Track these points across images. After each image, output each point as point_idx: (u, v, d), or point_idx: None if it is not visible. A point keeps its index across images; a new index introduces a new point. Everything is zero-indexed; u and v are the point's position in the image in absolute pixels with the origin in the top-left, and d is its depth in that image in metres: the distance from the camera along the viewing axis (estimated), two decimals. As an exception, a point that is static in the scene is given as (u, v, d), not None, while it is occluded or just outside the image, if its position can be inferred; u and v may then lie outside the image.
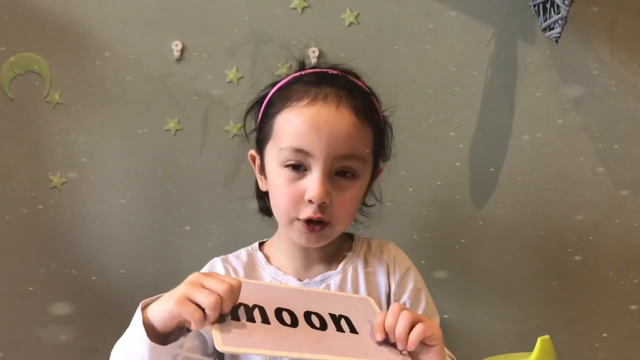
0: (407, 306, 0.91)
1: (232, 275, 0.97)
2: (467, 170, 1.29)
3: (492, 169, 1.29)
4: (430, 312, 0.97)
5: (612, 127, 1.28)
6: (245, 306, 0.76)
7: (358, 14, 1.23)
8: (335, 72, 0.96)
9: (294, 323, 0.77)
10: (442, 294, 1.24)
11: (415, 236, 1.30)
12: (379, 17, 1.23)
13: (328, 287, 0.95)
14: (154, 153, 1.26)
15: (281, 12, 1.23)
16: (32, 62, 1.23)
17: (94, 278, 1.28)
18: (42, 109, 1.24)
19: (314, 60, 1.23)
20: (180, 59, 1.24)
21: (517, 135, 1.28)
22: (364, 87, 0.97)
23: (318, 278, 0.97)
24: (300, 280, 0.96)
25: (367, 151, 0.93)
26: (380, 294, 0.96)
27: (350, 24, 1.24)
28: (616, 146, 1.29)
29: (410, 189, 1.29)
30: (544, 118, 1.28)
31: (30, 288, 1.27)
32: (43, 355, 1.27)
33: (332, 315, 0.80)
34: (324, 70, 0.97)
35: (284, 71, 1.23)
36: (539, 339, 0.83)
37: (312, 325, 0.77)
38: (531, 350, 0.84)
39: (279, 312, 0.78)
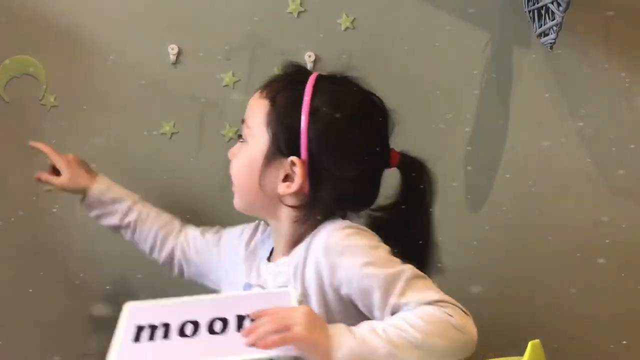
0: (356, 297, 0.89)
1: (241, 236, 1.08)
2: (462, 175, 1.30)
3: (488, 174, 1.30)
4: (386, 289, 0.87)
5: (607, 132, 1.29)
6: (152, 326, 0.81)
7: (354, 19, 1.24)
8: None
9: (195, 333, 0.80)
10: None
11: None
12: (375, 22, 1.24)
13: (280, 273, 0.96)
14: (150, 156, 1.26)
15: (277, 16, 1.23)
16: (27, 65, 1.23)
17: (82, 277, 1.28)
18: (37, 112, 1.24)
19: (310, 65, 1.24)
20: (176, 63, 1.24)
21: (513, 140, 1.29)
22: (312, 84, 0.95)
23: (276, 263, 0.99)
24: (270, 261, 1.01)
25: (257, 122, 0.96)
26: (318, 283, 0.93)
27: (347, 28, 1.24)
28: (613, 149, 1.29)
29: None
30: (539, 123, 1.28)
31: (31, 290, 1.27)
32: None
33: (240, 317, 0.81)
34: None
35: (280, 75, 1.24)
36: (529, 343, 0.83)
37: (212, 332, 0.80)
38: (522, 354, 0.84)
39: (183, 325, 0.81)
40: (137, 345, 0.79)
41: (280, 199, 0.96)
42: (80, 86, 1.24)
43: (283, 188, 0.95)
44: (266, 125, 0.96)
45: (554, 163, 1.30)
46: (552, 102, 1.28)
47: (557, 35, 1.08)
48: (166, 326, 0.81)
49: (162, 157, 1.26)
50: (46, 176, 1.15)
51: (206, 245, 1.12)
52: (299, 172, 0.93)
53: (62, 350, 1.27)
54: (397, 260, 0.90)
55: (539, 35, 1.15)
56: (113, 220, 1.14)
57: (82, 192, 1.14)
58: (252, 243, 1.06)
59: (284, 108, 0.95)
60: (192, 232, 1.14)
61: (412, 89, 1.26)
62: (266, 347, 0.76)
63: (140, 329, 0.81)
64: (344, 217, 0.98)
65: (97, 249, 1.27)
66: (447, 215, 1.29)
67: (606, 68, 1.27)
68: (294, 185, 0.94)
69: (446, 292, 0.87)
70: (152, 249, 1.14)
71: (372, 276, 0.87)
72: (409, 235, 0.99)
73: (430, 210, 1.01)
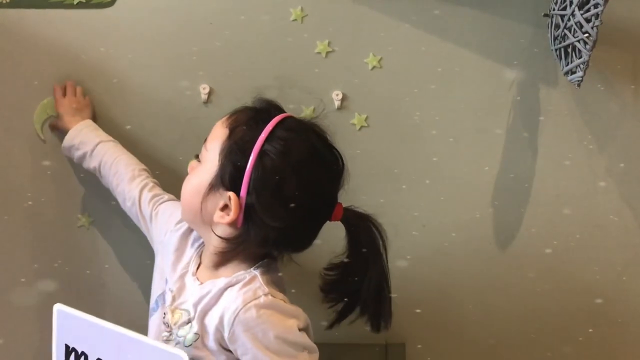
0: None
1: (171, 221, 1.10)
2: (490, 216, 1.29)
3: (515, 215, 1.29)
4: None
5: (636, 170, 1.28)
6: (76, 353, 0.84)
7: (381, 58, 1.26)
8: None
9: None
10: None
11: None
12: (402, 61, 1.25)
13: (203, 297, 0.98)
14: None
15: (306, 56, 1.25)
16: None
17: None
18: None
19: (337, 103, 1.25)
20: (207, 102, 1.26)
21: (540, 179, 1.28)
22: (271, 127, 0.95)
23: (203, 286, 1.00)
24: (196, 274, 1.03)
25: (213, 147, 0.97)
26: (217, 336, 0.95)
27: (374, 67, 1.26)
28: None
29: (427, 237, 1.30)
30: (567, 162, 1.28)
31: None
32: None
33: None
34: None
35: (308, 114, 1.25)
36: None
37: None
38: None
39: None
40: None
41: (212, 225, 0.98)
42: (116, 124, 1.27)
43: (218, 217, 0.96)
44: (219, 154, 0.96)
45: (583, 202, 1.29)
46: (579, 141, 1.27)
47: (585, 73, 1.08)
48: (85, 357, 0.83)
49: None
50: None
51: (144, 216, 1.15)
52: (233, 208, 0.94)
53: None
54: (301, 349, 0.93)
55: (566, 74, 1.15)
56: (84, 163, 1.21)
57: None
58: (191, 235, 1.07)
59: (237, 144, 0.96)
60: (145, 195, 1.15)
61: (438, 127, 1.27)
62: None
63: (67, 350, 0.84)
64: (276, 257, 1.01)
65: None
66: (474, 254, 1.30)
67: (634, 105, 1.26)
68: (228, 218, 0.95)
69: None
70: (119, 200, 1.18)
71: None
72: (362, 290, 1.01)
73: (381, 264, 1.02)
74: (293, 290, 1.03)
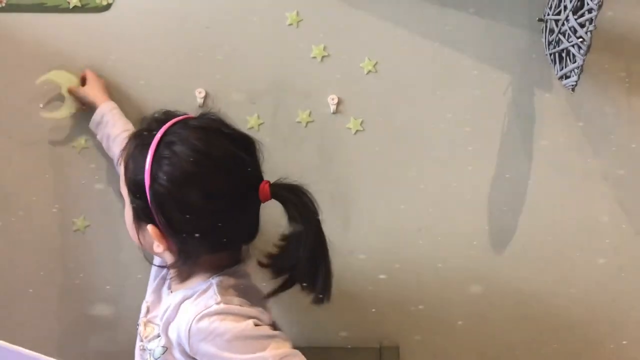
0: None
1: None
2: (485, 220, 1.30)
3: (510, 219, 1.30)
4: None
5: (631, 173, 1.28)
6: None
7: (376, 63, 1.26)
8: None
9: None
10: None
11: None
12: (397, 65, 1.26)
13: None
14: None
15: (301, 61, 1.26)
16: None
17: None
18: (70, 153, 1.28)
19: (332, 108, 1.26)
20: (203, 106, 1.27)
21: (535, 182, 1.29)
22: (154, 150, 0.93)
23: (174, 294, 0.99)
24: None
25: (122, 184, 0.97)
26: (180, 349, 0.94)
27: (369, 72, 1.26)
28: (637, 190, 1.29)
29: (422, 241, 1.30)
30: (562, 166, 1.28)
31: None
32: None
33: None
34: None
35: (304, 117, 1.26)
36: None
37: None
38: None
39: None
40: None
41: (157, 254, 0.98)
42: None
43: (155, 247, 0.96)
44: (127, 191, 0.96)
45: (577, 205, 1.29)
46: (574, 144, 1.28)
47: (579, 77, 1.09)
48: None
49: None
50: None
51: None
52: (156, 239, 0.94)
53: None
54: (266, 339, 0.90)
55: (561, 78, 1.15)
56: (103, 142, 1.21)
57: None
58: None
59: (130, 179, 0.95)
60: None
61: (433, 131, 1.27)
62: None
63: None
64: (240, 259, 0.99)
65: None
66: (470, 257, 1.30)
67: (628, 109, 1.26)
68: (162, 247, 0.95)
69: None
70: None
71: None
72: (298, 259, 0.96)
73: (315, 231, 0.96)
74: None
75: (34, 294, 1.31)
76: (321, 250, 0.97)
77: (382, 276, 1.31)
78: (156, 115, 0.99)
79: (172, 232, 0.93)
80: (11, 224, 1.29)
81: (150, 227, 0.93)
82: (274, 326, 0.95)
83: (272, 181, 0.98)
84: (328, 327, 1.32)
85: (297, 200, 0.95)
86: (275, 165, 1.27)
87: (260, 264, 0.98)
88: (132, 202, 0.95)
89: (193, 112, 1.23)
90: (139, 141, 0.95)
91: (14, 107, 1.27)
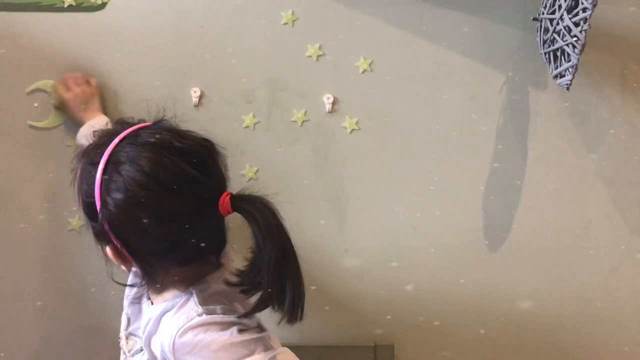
0: None
1: None
2: (480, 218, 1.30)
3: (505, 217, 1.30)
4: None
5: (624, 172, 1.29)
6: None
7: (372, 62, 1.26)
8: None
9: None
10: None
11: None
12: (393, 64, 1.26)
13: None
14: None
15: (297, 60, 1.26)
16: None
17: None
18: (64, 152, 1.27)
19: (328, 107, 1.26)
20: (198, 105, 1.27)
21: (530, 181, 1.29)
22: (102, 170, 0.88)
23: (155, 307, 0.97)
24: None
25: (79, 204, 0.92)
26: (161, 357, 0.92)
27: (365, 71, 1.27)
28: (631, 189, 1.29)
29: (417, 240, 1.31)
30: (556, 164, 1.29)
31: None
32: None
33: None
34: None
35: (300, 117, 1.26)
36: None
37: None
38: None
39: None
40: None
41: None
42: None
43: (122, 266, 0.94)
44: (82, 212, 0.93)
45: (571, 204, 1.30)
46: (568, 143, 1.28)
47: (573, 76, 1.09)
48: None
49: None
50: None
51: None
52: (115, 261, 0.91)
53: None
54: (253, 342, 0.87)
55: (555, 77, 1.16)
56: None
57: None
58: None
59: (84, 202, 0.91)
60: None
61: (428, 130, 1.28)
62: None
63: None
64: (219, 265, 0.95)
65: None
66: (464, 256, 1.31)
67: (623, 108, 1.27)
68: (124, 267, 0.94)
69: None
70: None
71: None
72: (273, 279, 0.88)
73: (277, 243, 0.88)
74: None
75: (28, 293, 1.31)
76: (287, 265, 0.89)
77: (377, 275, 1.31)
78: (105, 133, 0.93)
79: (132, 252, 0.90)
80: (6, 224, 1.29)
81: (108, 249, 0.91)
82: (259, 327, 0.93)
83: (253, 190, 0.92)
84: (323, 326, 1.32)
85: (258, 214, 0.88)
86: (271, 165, 1.28)
87: (228, 284, 0.92)
88: (89, 224, 0.91)
89: (188, 112, 1.26)
90: (90, 159, 0.90)
91: (9, 106, 1.26)
